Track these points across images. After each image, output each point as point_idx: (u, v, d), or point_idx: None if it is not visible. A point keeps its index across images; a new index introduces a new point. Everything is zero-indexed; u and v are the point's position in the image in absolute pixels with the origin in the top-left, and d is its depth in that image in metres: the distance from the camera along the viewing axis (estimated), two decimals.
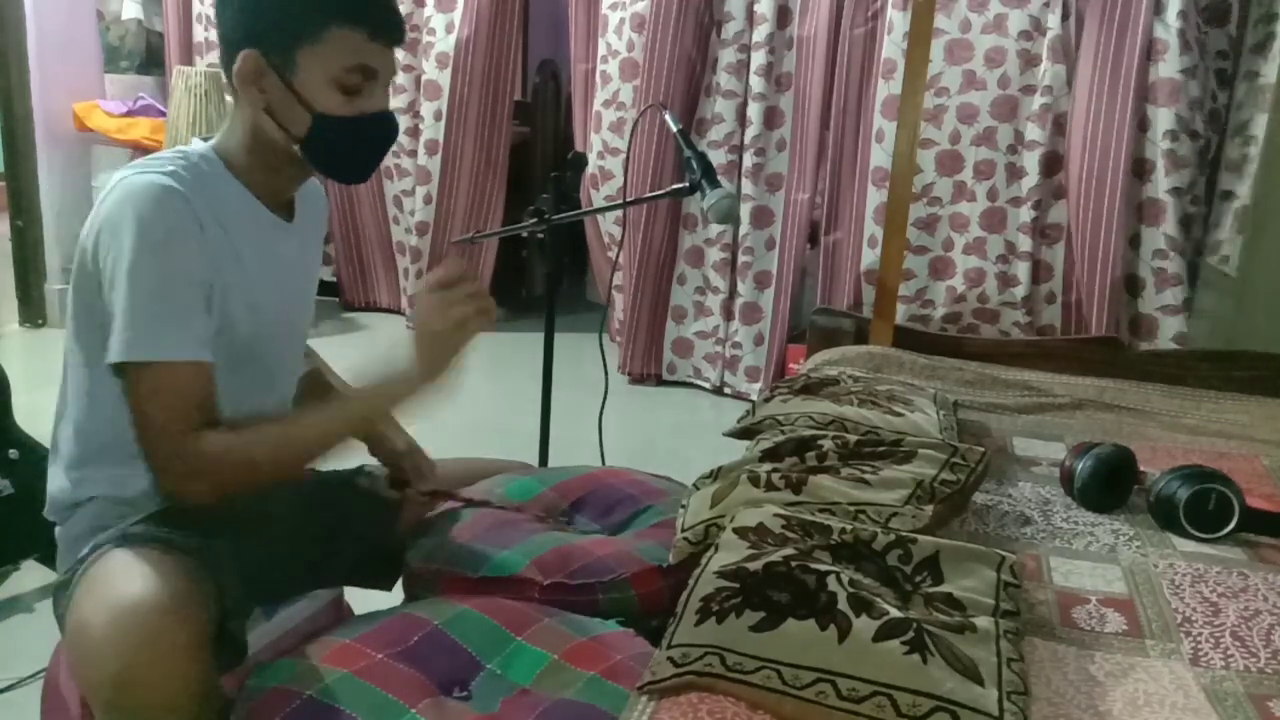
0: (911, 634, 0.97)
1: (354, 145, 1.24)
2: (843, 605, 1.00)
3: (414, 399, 1.24)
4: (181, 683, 1.02)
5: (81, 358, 1.21)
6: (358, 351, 3.93)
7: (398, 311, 4.47)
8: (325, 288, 4.59)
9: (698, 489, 1.44)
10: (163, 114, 4.05)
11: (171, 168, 1.17)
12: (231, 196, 1.23)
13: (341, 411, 1.29)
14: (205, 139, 1.27)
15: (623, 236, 3.52)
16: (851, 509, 1.30)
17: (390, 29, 1.21)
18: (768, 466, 1.42)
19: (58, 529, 1.27)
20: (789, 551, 1.13)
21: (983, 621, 1.03)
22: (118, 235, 1.11)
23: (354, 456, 1.46)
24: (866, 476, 1.37)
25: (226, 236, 1.20)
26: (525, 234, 1.98)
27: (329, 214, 1.51)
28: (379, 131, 1.25)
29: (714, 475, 1.46)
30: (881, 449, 1.48)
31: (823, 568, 1.07)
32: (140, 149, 3.96)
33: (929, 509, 1.31)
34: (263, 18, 1.18)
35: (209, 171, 1.22)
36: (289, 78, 1.18)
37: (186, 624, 1.04)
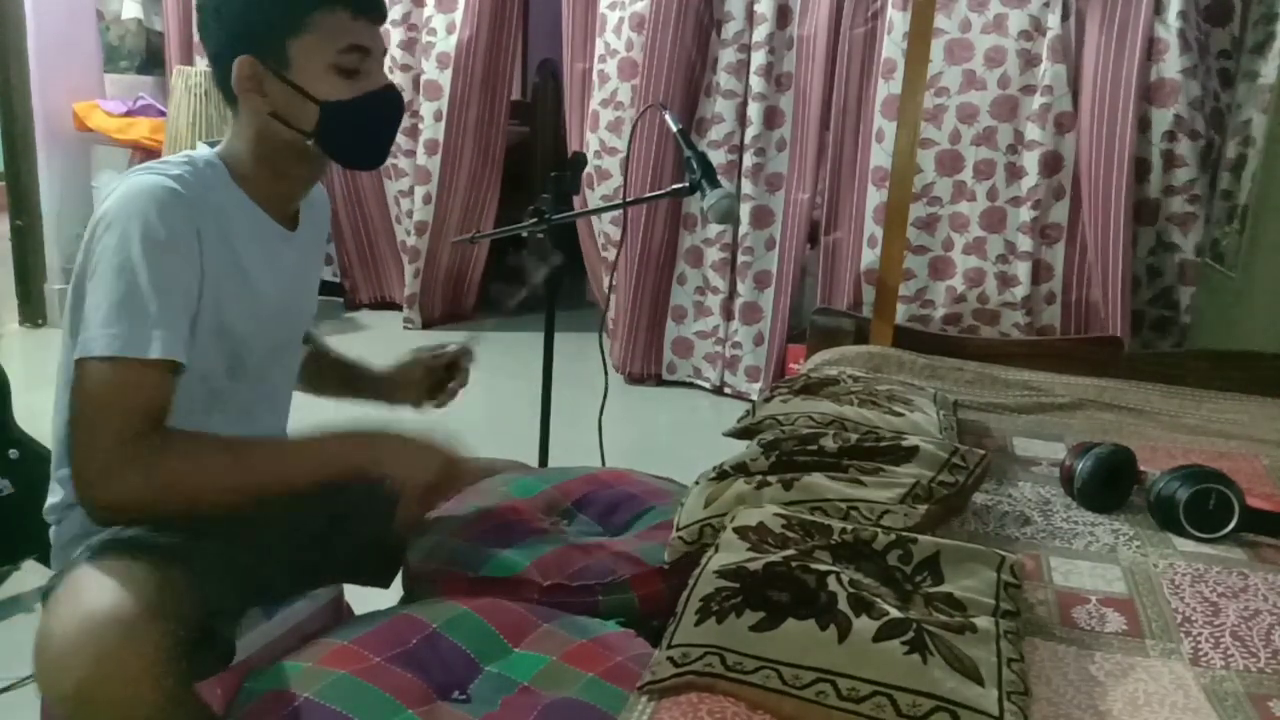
0: (911, 634, 0.97)
1: (366, 127, 1.25)
2: (843, 605, 1.00)
3: (359, 462, 1.23)
4: (145, 696, 1.00)
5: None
6: (359, 351, 3.93)
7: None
8: (327, 288, 4.62)
9: (698, 485, 1.44)
10: (163, 114, 4.05)
11: (177, 172, 1.17)
12: (235, 206, 1.23)
13: (307, 446, 1.23)
14: (210, 144, 1.27)
15: (622, 236, 3.52)
16: (843, 506, 1.30)
17: (371, 5, 1.21)
18: (762, 467, 1.42)
19: (52, 530, 1.27)
20: (789, 552, 1.13)
21: (983, 621, 1.03)
22: (115, 230, 1.10)
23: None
24: (862, 476, 1.37)
25: (229, 247, 1.20)
26: (525, 234, 1.98)
27: (329, 214, 1.51)
28: (388, 108, 1.26)
29: (715, 473, 1.46)
30: (882, 447, 1.48)
31: (823, 568, 1.07)
32: (140, 149, 3.96)
33: (922, 508, 1.30)
34: (248, 21, 1.18)
35: (214, 179, 1.22)
36: (287, 74, 1.18)
37: (151, 637, 1.02)
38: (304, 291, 1.39)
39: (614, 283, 3.78)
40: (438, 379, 1.55)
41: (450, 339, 1.59)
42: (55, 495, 1.26)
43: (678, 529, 1.32)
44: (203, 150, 1.26)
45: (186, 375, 1.21)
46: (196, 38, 4.32)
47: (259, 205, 1.26)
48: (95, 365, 1.09)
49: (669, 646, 1.01)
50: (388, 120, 1.28)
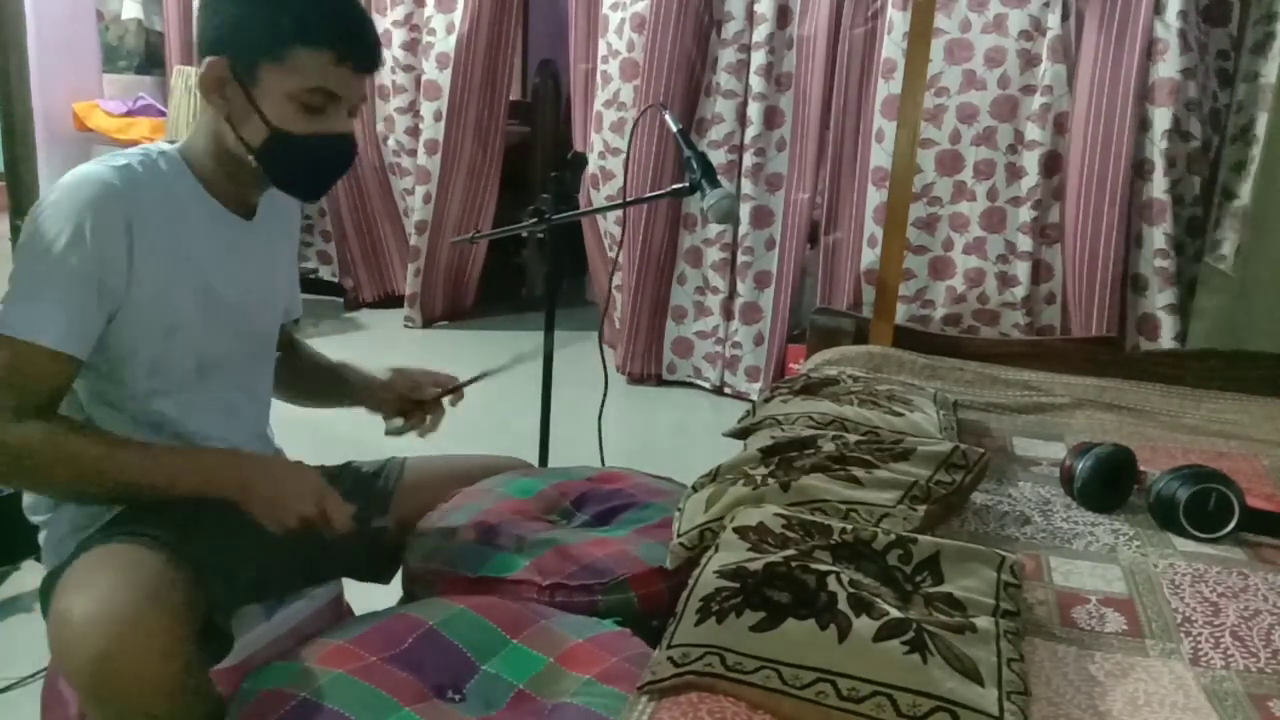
0: (911, 634, 0.97)
1: (308, 164, 1.25)
2: (843, 605, 1.00)
3: (227, 486, 1.20)
4: (163, 664, 1.02)
5: None
6: (357, 351, 3.92)
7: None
8: (327, 288, 4.62)
9: (696, 490, 1.44)
10: (162, 114, 4.06)
11: (125, 162, 1.19)
12: (186, 195, 1.24)
13: (171, 458, 1.20)
14: (171, 142, 1.29)
15: (622, 236, 3.52)
16: (843, 508, 1.30)
17: (358, 56, 1.21)
18: (761, 469, 1.42)
19: (41, 533, 1.28)
20: (789, 552, 1.13)
21: (983, 621, 1.03)
22: (43, 216, 1.13)
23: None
24: (860, 476, 1.37)
25: (174, 235, 1.21)
26: (525, 234, 1.98)
27: (299, 207, 1.51)
28: (335, 153, 1.26)
29: (714, 475, 1.46)
30: (880, 449, 1.48)
31: (823, 568, 1.07)
32: None
33: (921, 509, 1.30)
34: (234, 29, 1.18)
35: (166, 170, 1.23)
36: (250, 90, 1.19)
37: (165, 608, 1.04)
38: (269, 281, 1.39)
39: (617, 282, 3.78)
40: (411, 404, 1.52)
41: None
42: (34, 495, 1.28)
43: (678, 535, 1.32)
44: (161, 144, 1.27)
45: (157, 376, 1.23)
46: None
47: (214, 196, 1.27)
48: None
49: (669, 646, 1.01)
50: (331, 165, 1.27)
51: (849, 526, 1.20)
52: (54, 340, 1.13)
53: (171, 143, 1.29)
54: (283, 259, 1.44)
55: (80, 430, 1.18)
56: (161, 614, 1.04)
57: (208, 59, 1.19)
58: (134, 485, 1.17)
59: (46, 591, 1.19)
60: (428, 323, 4.37)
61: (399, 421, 1.50)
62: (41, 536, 1.28)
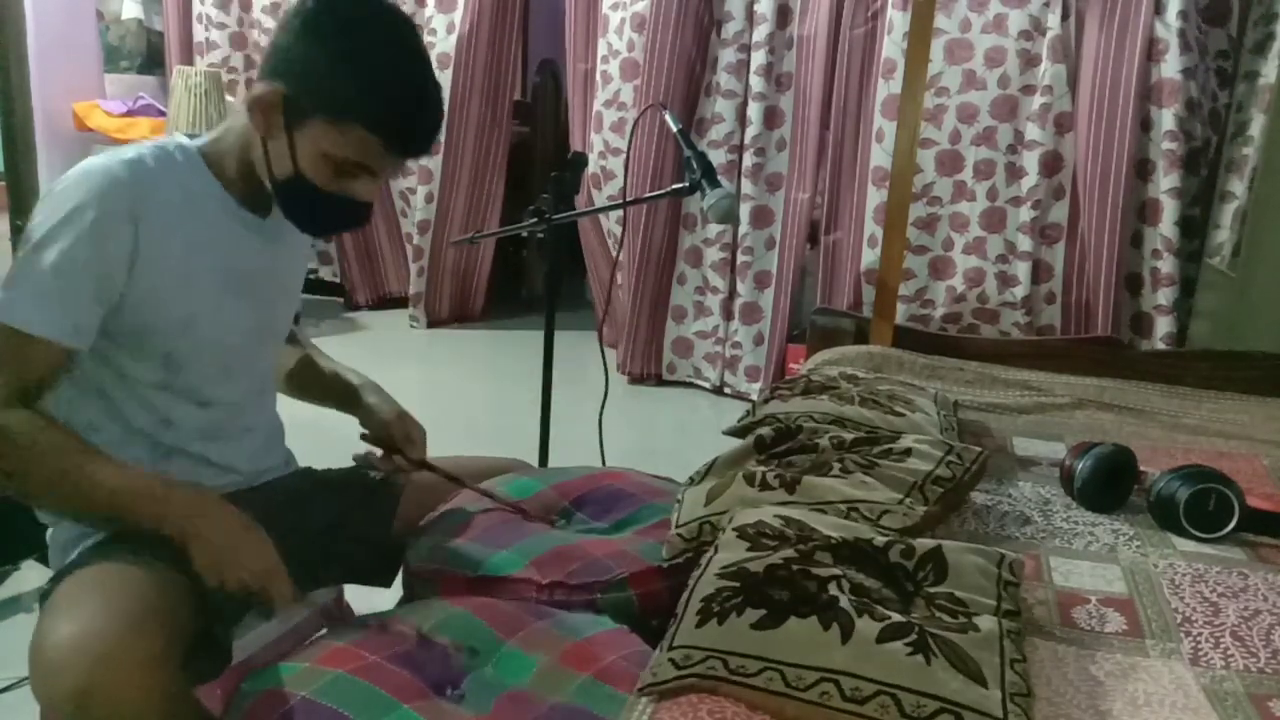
0: (915, 635, 0.96)
1: (320, 213, 1.24)
2: (845, 606, 1.00)
3: (176, 528, 1.14)
4: (141, 701, 1.00)
5: None
6: (361, 349, 3.93)
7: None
8: (329, 288, 4.62)
9: (694, 482, 1.44)
10: (163, 114, 4.06)
11: (136, 155, 1.18)
12: (200, 188, 1.24)
13: (141, 480, 1.16)
14: (191, 136, 1.28)
15: (623, 236, 3.52)
16: (844, 507, 1.30)
17: (410, 148, 1.21)
18: (763, 468, 1.42)
19: (50, 531, 1.28)
20: (789, 553, 1.12)
21: (985, 622, 1.02)
22: (48, 205, 1.13)
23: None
24: (861, 475, 1.37)
25: (188, 226, 1.21)
26: (525, 234, 1.98)
27: None
28: (348, 214, 1.24)
29: (708, 469, 1.47)
30: (878, 447, 1.48)
31: (824, 572, 1.07)
32: None
33: (921, 508, 1.30)
34: (304, 69, 1.16)
35: (181, 163, 1.23)
36: (294, 131, 1.17)
37: (146, 642, 1.02)
38: (280, 279, 1.38)
39: (619, 282, 3.78)
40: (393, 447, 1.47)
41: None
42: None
43: (676, 526, 1.32)
44: (179, 137, 1.26)
45: (173, 369, 1.23)
46: (198, 37, 4.38)
47: (230, 193, 1.26)
48: None
49: (670, 648, 1.01)
50: (342, 221, 1.26)
51: (848, 525, 1.20)
52: (46, 329, 1.12)
53: (192, 137, 1.27)
54: (295, 254, 1.42)
55: (62, 426, 1.16)
56: (141, 646, 1.02)
57: (270, 85, 1.17)
58: (101, 492, 1.14)
59: (47, 594, 1.18)
60: (433, 324, 4.37)
61: (375, 457, 1.46)
62: (49, 535, 1.28)
